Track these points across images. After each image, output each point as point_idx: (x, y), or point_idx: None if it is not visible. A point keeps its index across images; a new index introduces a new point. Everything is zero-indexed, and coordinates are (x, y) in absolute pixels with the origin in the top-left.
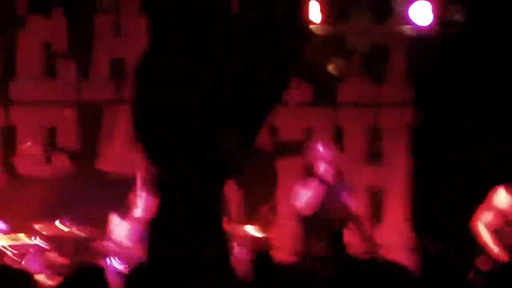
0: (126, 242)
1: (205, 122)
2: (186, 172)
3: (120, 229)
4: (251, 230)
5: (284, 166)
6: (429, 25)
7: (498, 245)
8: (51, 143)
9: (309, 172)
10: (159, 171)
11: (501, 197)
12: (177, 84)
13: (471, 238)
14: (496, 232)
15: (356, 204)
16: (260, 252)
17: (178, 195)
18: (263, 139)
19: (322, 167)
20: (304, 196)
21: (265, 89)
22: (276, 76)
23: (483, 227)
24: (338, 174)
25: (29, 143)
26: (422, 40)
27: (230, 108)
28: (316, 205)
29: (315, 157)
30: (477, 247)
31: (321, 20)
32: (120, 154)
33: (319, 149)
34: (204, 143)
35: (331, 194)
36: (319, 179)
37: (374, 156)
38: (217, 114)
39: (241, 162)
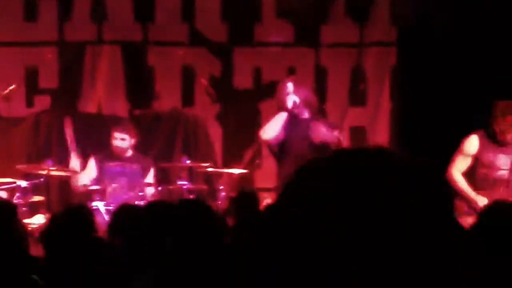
0: (106, 183)
1: None
2: None
3: (99, 169)
4: (234, 171)
5: (267, 107)
6: None
7: (474, 190)
8: (33, 85)
9: (281, 109)
10: None
11: (473, 143)
12: None
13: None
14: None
15: (334, 140)
16: (243, 191)
17: None
18: (246, 80)
19: (290, 102)
20: (269, 124)
21: None
22: None
23: (458, 174)
24: (313, 110)
25: (13, 86)
26: None
27: None
28: (282, 134)
29: (286, 93)
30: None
31: None
32: (102, 95)
33: (289, 85)
34: None
35: (302, 128)
36: (287, 112)
37: (357, 96)
38: None
39: None
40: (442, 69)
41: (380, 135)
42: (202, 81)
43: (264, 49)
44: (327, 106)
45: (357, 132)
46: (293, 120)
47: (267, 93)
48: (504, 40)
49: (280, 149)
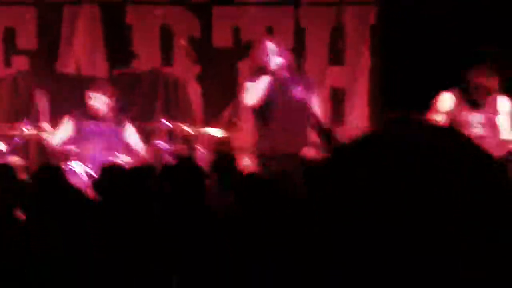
0: (82, 143)
1: None
2: None
3: (76, 129)
4: (213, 131)
5: (246, 66)
6: None
7: None
8: (11, 45)
9: (261, 70)
10: None
11: (446, 101)
12: None
13: None
14: None
15: (314, 101)
16: (222, 153)
17: None
18: (225, 39)
19: (272, 63)
20: (252, 89)
21: None
22: None
23: None
24: (292, 71)
25: None
26: None
27: None
28: (264, 97)
29: (266, 53)
30: None
31: None
32: (80, 55)
33: (270, 46)
34: None
35: (283, 90)
36: (270, 74)
37: (337, 55)
38: None
39: None
40: (422, 28)
41: (360, 94)
42: (181, 41)
43: (243, 8)
44: (306, 65)
45: (336, 93)
46: (275, 82)
47: (246, 52)
48: None
49: (264, 111)
